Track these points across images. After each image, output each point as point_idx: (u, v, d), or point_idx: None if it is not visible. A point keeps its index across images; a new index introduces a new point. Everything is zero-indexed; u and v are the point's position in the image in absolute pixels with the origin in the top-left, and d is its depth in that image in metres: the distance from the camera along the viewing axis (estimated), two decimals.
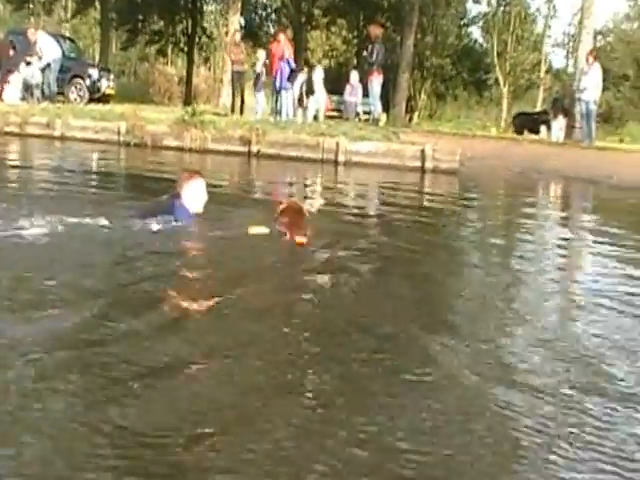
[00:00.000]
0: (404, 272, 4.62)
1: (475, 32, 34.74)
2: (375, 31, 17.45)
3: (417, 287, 4.34)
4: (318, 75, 17.85)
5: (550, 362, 2.92)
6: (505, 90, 29.97)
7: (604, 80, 18.45)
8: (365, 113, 19.25)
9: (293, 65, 17.50)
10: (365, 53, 17.27)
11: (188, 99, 26.71)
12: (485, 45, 33.10)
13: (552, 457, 2.09)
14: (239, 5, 24.80)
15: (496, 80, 30.79)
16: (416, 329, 3.26)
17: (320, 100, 17.42)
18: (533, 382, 2.65)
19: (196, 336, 3.02)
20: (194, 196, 5.13)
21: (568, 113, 20.01)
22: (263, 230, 5.06)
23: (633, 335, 3.37)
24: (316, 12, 31.88)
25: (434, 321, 3.51)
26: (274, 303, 3.65)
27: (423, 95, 29.66)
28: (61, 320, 2.99)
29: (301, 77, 17.14)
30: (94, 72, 20.97)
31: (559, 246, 6.42)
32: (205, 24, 34.44)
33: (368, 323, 3.33)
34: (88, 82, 20.47)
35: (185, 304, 3.49)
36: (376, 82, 17.05)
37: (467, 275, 4.91)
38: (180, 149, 13.65)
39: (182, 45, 32.85)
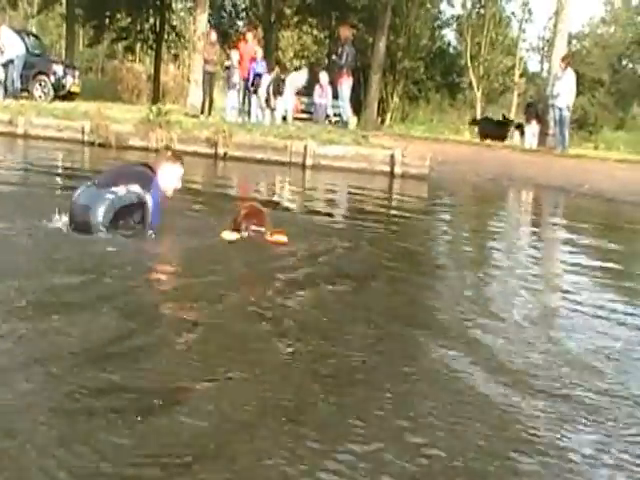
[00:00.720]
0: (379, 286, 4.54)
1: (449, 34, 34.87)
2: (345, 32, 17.17)
3: (393, 301, 4.19)
4: (300, 77, 17.66)
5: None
6: (479, 94, 29.98)
7: (578, 85, 18.42)
8: (335, 115, 18.97)
9: (264, 66, 17.18)
10: (334, 56, 16.97)
11: (156, 97, 26.30)
12: (459, 48, 33.12)
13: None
14: (207, 3, 24.43)
15: (470, 83, 30.83)
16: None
17: (289, 101, 17.10)
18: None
19: (182, 356, 2.88)
20: (170, 179, 4.98)
21: (541, 119, 19.95)
22: (235, 235, 5.04)
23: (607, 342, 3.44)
24: (287, 11, 31.64)
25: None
26: (258, 315, 3.52)
27: (395, 97, 29.52)
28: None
29: (268, 78, 16.81)
30: (59, 69, 20.52)
31: (525, 256, 6.30)
32: (173, 22, 33.98)
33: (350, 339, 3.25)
34: (53, 79, 20.05)
35: (168, 316, 3.45)
36: (346, 85, 16.79)
37: (436, 282, 4.88)
38: (145, 149, 13.41)
39: (150, 42, 32.41)
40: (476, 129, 24.06)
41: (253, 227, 5.07)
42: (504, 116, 25.18)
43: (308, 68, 19.61)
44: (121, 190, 4.65)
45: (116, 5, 29.45)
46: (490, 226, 8.27)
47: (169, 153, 5.32)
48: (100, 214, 4.59)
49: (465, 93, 31.37)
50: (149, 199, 4.72)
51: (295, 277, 4.42)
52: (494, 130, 22.66)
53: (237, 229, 5.06)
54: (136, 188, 4.70)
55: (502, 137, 21.93)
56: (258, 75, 16.91)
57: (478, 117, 26.64)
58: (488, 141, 20.66)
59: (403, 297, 4.24)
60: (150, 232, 4.77)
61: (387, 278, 4.67)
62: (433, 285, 4.71)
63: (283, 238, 5.09)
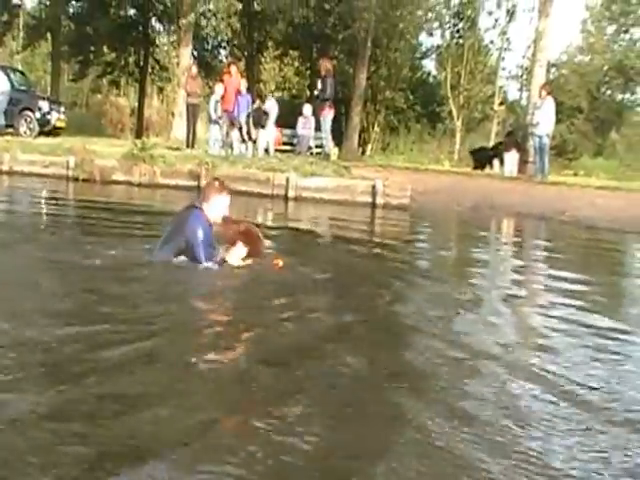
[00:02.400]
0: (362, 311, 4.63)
1: (429, 64, 35.24)
2: (326, 65, 17.44)
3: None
4: (271, 107, 17.78)
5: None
6: (459, 123, 30.27)
7: (558, 113, 18.67)
8: (317, 147, 19.20)
9: (248, 99, 17.41)
10: (317, 91, 17.20)
11: (140, 131, 26.50)
12: (439, 77, 33.48)
13: None
14: (190, 37, 24.78)
15: (449, 113, 31.08)
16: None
17: (270, 133, 17.32)
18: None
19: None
20: (219, 209, 5.25)
21: (521, 147, 20.22)
22: (240, 259, 5.30)
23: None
24: (269, 43, 32.03)
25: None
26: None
27: (376, 128, 29.80)
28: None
29: (248, 110, 17.06)
30: (44, 105, 20.65)
31: (505, 282, 6.41)
32: (157, 55, 34.32)
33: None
34: (38, 115, 20.16)
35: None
36: (328, 117, 17.01)
37: (416, 307, 4.94)
38: (129, 184, 13.53)
39: (135, 76, 32.72)
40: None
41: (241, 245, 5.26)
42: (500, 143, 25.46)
43: (277, 100, 19.80)
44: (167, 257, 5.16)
45: (101, 41, 29.72)
46: (472, 255, 8.36)
47: (217, 184, 5.44)
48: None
49: (445, 122, 31.66)
50: (190, 237, 5.09)
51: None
52: (490, 157, 22.84)
53: (231, 243, 5.27)
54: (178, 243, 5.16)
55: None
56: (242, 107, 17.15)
57: (475, 147, 26.70)
58: (482, 170, 20.91)
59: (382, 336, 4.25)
60: (208, 264, 5.08)
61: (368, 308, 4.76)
62: (408, 310, 4.80)
63: (280, 263, 5.36)
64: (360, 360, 3.46)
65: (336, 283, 5.58)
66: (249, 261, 5.32)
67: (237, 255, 5.27)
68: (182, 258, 5.11)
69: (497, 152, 22.58)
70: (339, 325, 4.17)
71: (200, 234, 5.06)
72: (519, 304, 5.36)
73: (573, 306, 5.18)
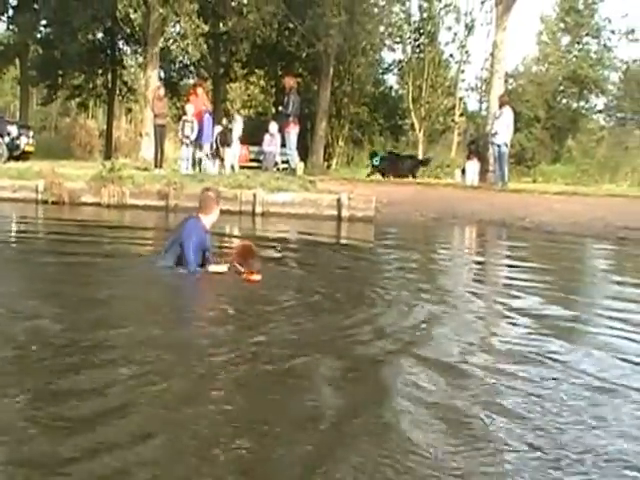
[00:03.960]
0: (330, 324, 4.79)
1: (391, 79, 35.74)
2: (290, 82, 17.81)
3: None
4: (237, 125, 18.07)
5: None
6: (421, 135, 30.74)
7: (516, 122, 19.13)
8: (284, 162, 19.51)
9: (210, 119, 17.68)
10: (281, 106, 17.55)
11: (109, 153, 26.58)
12: (401, 91, 33.96)
13: None
14: (157, 59, 24.99)
15: (412, 125, 31.55)
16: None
17: (236, 151, 17.59)
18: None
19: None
20: (214, 218, 6.03)
21: (482, 156, 20.61)
22: (222, 268, 5.84)
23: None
24: (235, 63, 32.31)
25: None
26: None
27: (341, 142, 30.21)
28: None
29: (215, 129, 17.33)
30: (13, 129, 20.70)
31: (467, 288, 6.66)
32: (125, 77, 34.41)
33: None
34: (7, 140, 20.17)
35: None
36: (293, 132, 17.34)
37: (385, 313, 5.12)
38: (98, 205, 13.63)
39: (103, 97, 32.77)
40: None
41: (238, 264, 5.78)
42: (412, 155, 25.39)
43: (246, 117, 20.10)
44: (168, 263, 5.81)
45: (69, 64, 29.67)
46: (436, 262, 8.70)
47: (212, 194, 6.12)
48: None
49: (408, 135, 32.13)
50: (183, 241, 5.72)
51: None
52: (398, 166, 22.45)
53: (231, 263, 5.82)
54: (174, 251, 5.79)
55: (404, 174, 21.80)
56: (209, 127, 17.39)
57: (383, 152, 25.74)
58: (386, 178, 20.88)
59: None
60: (192, 267, 5.70)
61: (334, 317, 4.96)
62: (370, 317, 4.97)
63: (257, 277, 5.73)
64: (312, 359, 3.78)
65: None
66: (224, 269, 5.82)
67: (218, 269, 5.84)
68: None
69: (408, 163, 22.69)
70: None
71: (193, 238, 5.72)
72: (481, 301, 5.78)
73: (526, 299, 5.70)
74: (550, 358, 3.91)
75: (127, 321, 4.56)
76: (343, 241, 11.20)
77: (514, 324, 4.90)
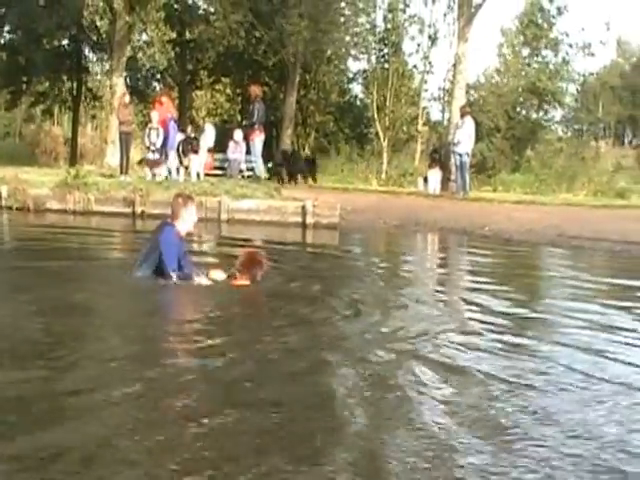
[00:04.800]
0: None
1: (356, 88, 36.00)
2: (255, 91, 18.01)
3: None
4: (208, 134, 18.23)
5: None
6: (385, 143, 31.05)
7: (477, 132, 19.52)
8: (249, 170, 19.68)
9: (175, 127, 17.79)
10: (247, 116, 17.73)
11: (74, 159, 26.47)
12: (366, 100, 34.25)
13: None
14: (124, 66, 25.03)
15: (376, 134, 31.82)
16: None
17: (203, 159, 17.73)
18: None
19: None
20: (188, 221, 5.92)
21: (444, 165, 20.96)
22: (221, 275, 5.88)
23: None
24: (201, 72, 32.38)
25: None
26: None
27: (307, 150, 30.40)
28: None
29: (179, 136, 17.45)
30: None
31: (426, 292, 6.93)
32: (91, 84, 34.28)
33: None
34: None
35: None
36: (258, 140, 17.52)
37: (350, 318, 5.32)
38: (63, 212, 13.59)
39: (68, 104, 32.59)
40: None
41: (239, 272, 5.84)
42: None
43: (214, 125, 20.17)
44: (146, 271, 5.75)
45: (33, 71, 29.48)
46: (397, 268, 8.90)
47: (180, 199, 6.00)
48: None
49: (373, 143, 32.39)
50: (161, 248, 5.69)
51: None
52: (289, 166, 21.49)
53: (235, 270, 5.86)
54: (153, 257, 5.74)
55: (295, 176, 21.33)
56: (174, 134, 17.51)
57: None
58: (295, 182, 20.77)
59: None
60: (172, 273, 5.67)
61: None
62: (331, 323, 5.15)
63: (246, 282, 5.81)
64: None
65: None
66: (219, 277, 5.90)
67: (216, 277, 5.89)
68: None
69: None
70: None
71: (170, 246, 5.68)
72: (440, 300, 6.16)
73: (487, 300, 6.06)
74: (514, 351, 4.32)
75: (114, 335, 4.53)
76: (309, 248, 11.38)
77: (479, 321, 5.26)
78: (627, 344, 4.63)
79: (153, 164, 17.27)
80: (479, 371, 3.79)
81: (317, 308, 5.53)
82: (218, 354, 3.97)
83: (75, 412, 2.96)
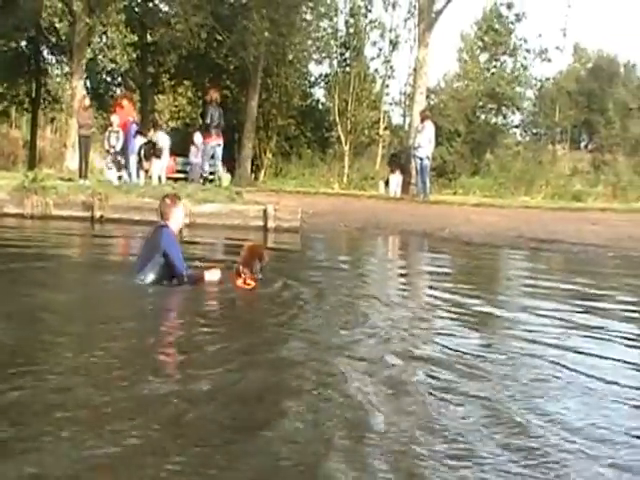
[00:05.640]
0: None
1: (318, 92, 36.14)
2: (211, 94, 17.95)
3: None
4: (163, 140, 18.13)
5: None
6: (347, 147, 31.21)
7: (437, 136, 19.78)
8: (211, 174, 19.64)
9: (134, 129, 17.71)
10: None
11: (32, 163, 26.12)
12: (328, 104, 34.41)
13: None
14: (83, 68, 24.80)
15: (338, 138, 31.98)
16: None
17: (164, 162, 17.66)
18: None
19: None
20: (179, 220, 6.11)
21: (405, 169, 21.16)
22: (215, 275, 6.01)
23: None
24: (163, 75, 32.22)
25: None
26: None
27: (269, 154, 30.41)
28: None
29: (140, 140, 17.36)
30: None
31: (386, 295, 6.83)
32: (50, 87, 33.87)
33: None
34: None
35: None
36: (212, 144, 17.44)
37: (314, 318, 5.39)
38: (21, 216, 13.37)
39: (26, 105, 32.17)
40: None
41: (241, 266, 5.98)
42: None
43: (171, 129, 20.05)
44: (149, 276, 5.76)
45: None
46: (357, 270, 8.86)
47: (168, 200, 6.09)
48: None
49: (334, 147, 32.53)
50: (166, 247, 5.75)
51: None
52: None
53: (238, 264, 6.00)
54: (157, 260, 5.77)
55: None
56: (134, 138, 17.42)
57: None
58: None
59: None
60: (185, 272, 5.80)
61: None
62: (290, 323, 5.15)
63: (252, 283, 5.93)
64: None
65: None
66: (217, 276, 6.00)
67: (213, 276, 6.01)
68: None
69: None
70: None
71: (175, 248, 5.81)
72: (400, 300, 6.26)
73: (449, 299, 6.22)
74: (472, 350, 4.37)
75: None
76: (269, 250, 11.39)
77: (441, 317, 5.45)
78: (585, 337, 4.94)
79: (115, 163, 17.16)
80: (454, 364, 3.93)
81: (279, 311, 5.52)
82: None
83: None
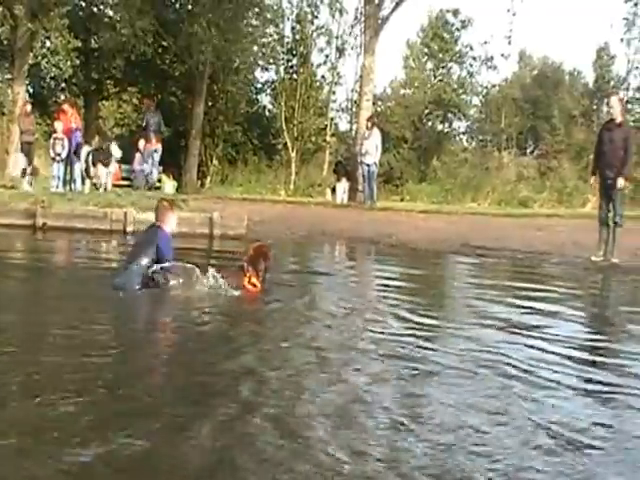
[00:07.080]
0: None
1: (264, 99, 36.07)
2: (146, 103, 17.98)
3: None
4: (115, 152, 18.01)
5: None
6: (293, 154, 31.21)
7: (384, 143, 19.94)
8: (158, 181, 19.49)
9: (80, 137, 17.48)
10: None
11: None
12: (274, 111, 34.35)
13: None
14: (26, 74, 24.34)
15: (285, 145, 31.95)
16: None
17: (111, 169, 17.48)
18: None
19: None
20: (172, 224, 6.59)
21: (351, 176, 21.25)
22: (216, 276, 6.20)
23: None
24: (107, 81, 31.74)
25: None
26: None
27: (215, 161, 30.20)
28: None
29: (86, 148, 17.16)
30: None
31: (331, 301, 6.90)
32: None
33: None
34: None
35: None
36: (152, 149, 17.35)
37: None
38: None
39: None
40: None
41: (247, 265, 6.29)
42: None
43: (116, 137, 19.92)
44: (143, 260, 6.16)
45: None
46: (300, 277, 8.89)
47: (166, 204, 6.75)
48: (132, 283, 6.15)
49: (281, 154, 32.49)
50: (160, 242, 6.22)
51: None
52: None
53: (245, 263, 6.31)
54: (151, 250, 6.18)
55: None
56: (78, 145, 17.20)
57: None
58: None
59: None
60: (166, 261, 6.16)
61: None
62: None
63: (257, 283, 6.23)
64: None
65: None
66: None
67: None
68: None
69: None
70: None
71: (170, 245, 6.32)
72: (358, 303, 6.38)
73: (398, 304, 6.38)
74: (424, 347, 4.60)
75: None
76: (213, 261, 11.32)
77: (391, 324, 5.46)
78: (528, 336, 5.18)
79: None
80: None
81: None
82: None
83: None
